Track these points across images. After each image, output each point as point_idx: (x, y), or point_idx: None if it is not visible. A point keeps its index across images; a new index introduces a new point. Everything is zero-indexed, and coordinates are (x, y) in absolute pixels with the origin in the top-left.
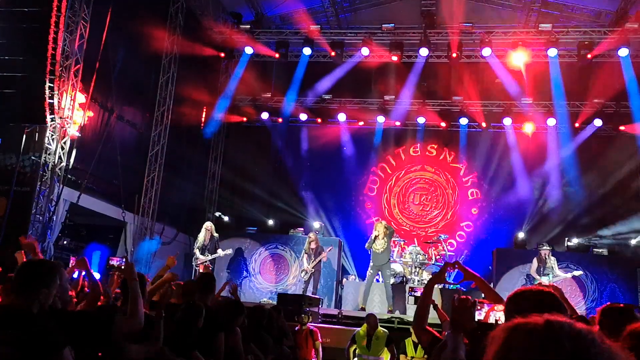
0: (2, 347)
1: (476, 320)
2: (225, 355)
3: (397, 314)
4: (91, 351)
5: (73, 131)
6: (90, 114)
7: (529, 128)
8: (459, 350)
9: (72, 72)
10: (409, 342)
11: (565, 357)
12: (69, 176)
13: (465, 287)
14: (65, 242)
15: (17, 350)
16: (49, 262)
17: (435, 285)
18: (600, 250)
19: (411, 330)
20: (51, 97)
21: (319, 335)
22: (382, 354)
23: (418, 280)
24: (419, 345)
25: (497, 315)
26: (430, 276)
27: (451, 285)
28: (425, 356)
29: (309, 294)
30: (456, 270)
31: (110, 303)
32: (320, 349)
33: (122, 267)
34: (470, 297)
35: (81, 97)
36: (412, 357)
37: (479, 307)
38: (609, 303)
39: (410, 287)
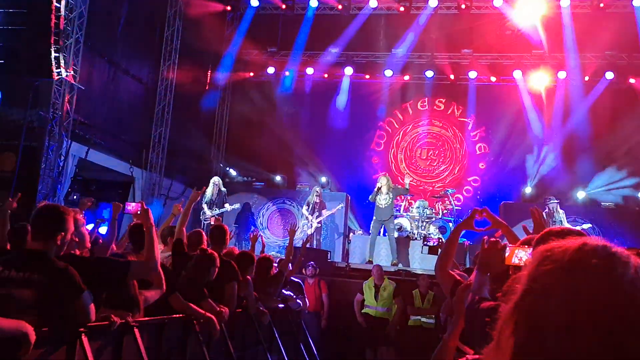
0: (24, 289)
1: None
2: (237, 304)
3: (401, 266)
4: (109, 295)
5: (79, 85)
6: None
7: (539, 81)
8: (484, 289)
9: (76, 26)
10: (416, 293)
11: (591, 272)
12: (77, 131)
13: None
14: (75, 197)
15: (36, 293)
16: (63, 207)
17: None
18: (608, 204)
19: (418, 282)
20: (57, 51)
21: (326, 287)
22: (390, 306)
23: (425, 235)
24: (426, 297)
25: (520, 254)
26: (437, 230)
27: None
28: (430, 306)
29: (314, 247)
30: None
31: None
32: (327, 301)
33: (138, 212)
34: (500, 240)
35: (86, 51)
36: (419, 308)
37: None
38: None
39: (423, 237)
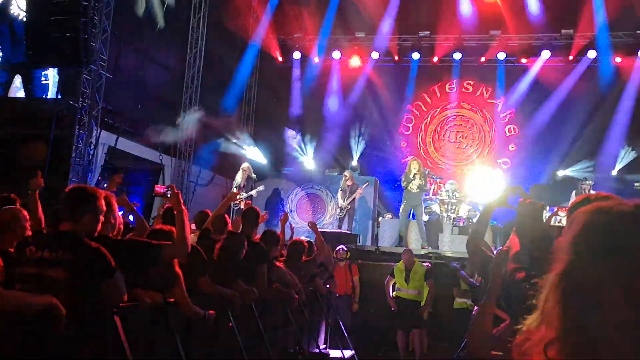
0: (56, 269)
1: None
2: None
3: (430, 249)
4: (142, 275)
5: (107, 74)
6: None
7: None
8: (522, 256)
9: (103, 15)
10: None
11: None
12: (106, 120)
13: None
14: (105, 185)
15: (68, 272)
16: (92, 188)
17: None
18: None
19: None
20: (85, 41)
21: (357, 270)
22: (421, 288)
23: (454, 217)
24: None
25: (558, 218)
26: (469, 209)
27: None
28: (480, 278)
29: (344, 231)
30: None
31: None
32: (358, 284)
33: (168, 194)
34: (536, 200)
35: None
36: (465, 290)
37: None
38: None
39: (453, 218)
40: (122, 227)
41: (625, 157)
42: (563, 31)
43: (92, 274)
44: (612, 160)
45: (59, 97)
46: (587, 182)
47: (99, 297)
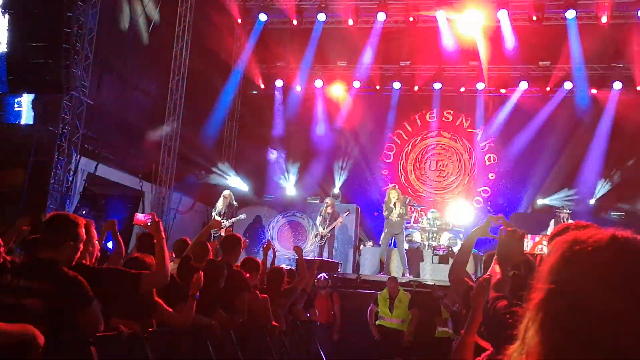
0: (32, 298)
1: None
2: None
3: (411, 277)
4: (120, 305)
5: (88, 100)
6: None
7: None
8: (504, 286)
9: (85, 42)
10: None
11: (628, 272)
12: (86, 146)
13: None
14: (84, 212)
15: (45, 302)
16: (74, 216)
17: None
18: (617, 213)
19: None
20: (66, 67)
21: (338, 298)
22: (405, 317)
23: (435, 246)
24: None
25: (540, 247)
26: (450, 237)
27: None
28: (462, 307)
29: (326, 259)
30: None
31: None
32: (340, 312)
33: (149, 223)
34: (517, 229)
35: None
36: (447, 319)
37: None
38: None
39: (433, 247)
40: (99, 253)
41: (602, 187)
42: (540, 63)
43: (69, 304)
44: (590, 189)
45: (35, 123)
46: (565, 210)
47: (76, 326)
